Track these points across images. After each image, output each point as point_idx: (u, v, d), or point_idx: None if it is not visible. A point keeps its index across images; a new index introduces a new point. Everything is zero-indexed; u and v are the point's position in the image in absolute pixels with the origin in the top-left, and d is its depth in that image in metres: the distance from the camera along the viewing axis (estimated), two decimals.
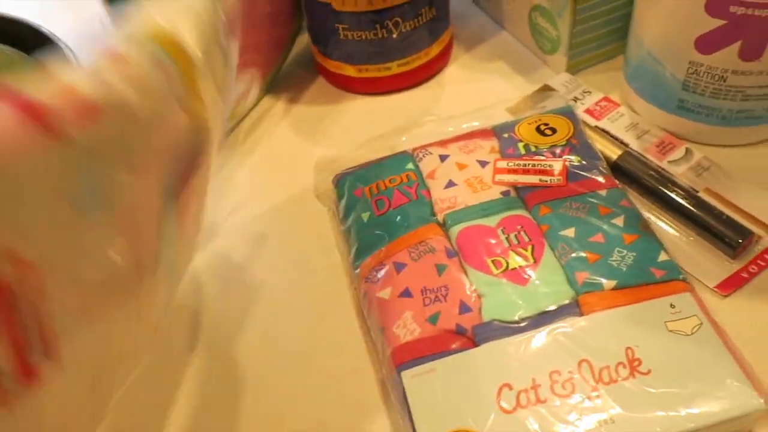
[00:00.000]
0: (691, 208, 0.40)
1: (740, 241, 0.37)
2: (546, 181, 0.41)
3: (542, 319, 0.34)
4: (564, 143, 0.43)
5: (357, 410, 0.36)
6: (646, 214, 0.41)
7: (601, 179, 0.40)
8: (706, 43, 0.40)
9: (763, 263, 0.38)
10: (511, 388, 0.32)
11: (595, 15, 0.48)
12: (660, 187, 0.41)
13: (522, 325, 0.34)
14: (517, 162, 0.43)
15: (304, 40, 0.58)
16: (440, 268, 0.37)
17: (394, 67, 0.52)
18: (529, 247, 0.38)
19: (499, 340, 0.34)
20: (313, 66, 0.56)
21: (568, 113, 0.45)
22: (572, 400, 0.31)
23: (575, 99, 0.49)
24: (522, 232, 0.38)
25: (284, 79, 0.57)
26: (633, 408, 0.30)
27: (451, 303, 0.36)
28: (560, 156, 0.42)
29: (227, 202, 0.48)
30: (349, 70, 0.52)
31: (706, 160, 0.43)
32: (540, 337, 0.33)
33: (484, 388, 0.32)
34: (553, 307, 0.35)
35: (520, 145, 0.44)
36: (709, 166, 0.43)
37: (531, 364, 0.32)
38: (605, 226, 0.38)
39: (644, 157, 0.44)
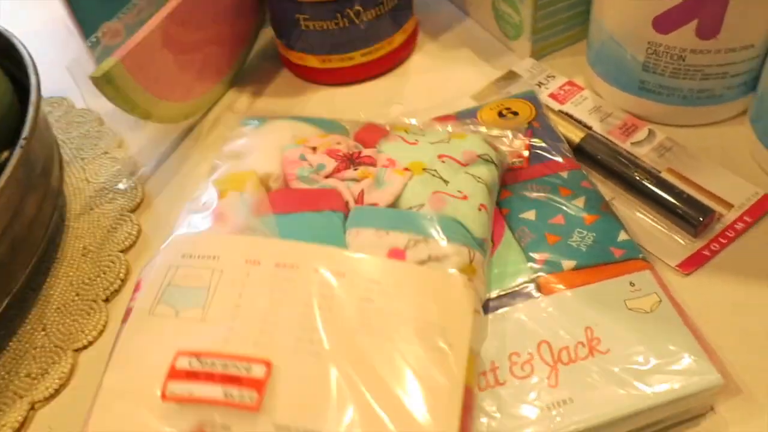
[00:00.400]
0: (653, 188, 0.39)
1: (701, 219, 0.37)
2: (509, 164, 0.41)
3: (502, 301, 0.34)
4: (526, 126, 0.43)
5: None
6: (610, 196, 0.41)
7: (562, 161, 0.40)
8: (664, 23, 0.39)
9: (724, 241, 0.38)
10: None
11: (557, 0, 0.48)
12: (622, 169, 0.41)
13: (483, 307, 0.34)
14: None
15: (268, 33, 0.58)
16: None
17: (358, 57, 0.51)
18: None
19: None
20: (278, 59, 0.56)
21: (530, 97, 0.45)
22: (531, 381, 0.30)
23: (539, 84, 0.49)
24: None
25: (248, 73, 0.56)
26: (592, 387, 0.30)
27: None
28: (522, 139, 0.42)
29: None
30: (312, 61, 0.52)
31: (669, 140, 0.43)
32: (499, 319, 0.33)
33: None
34: (512, 289, 0.34)
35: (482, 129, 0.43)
36: (672, 146, 0.43)
37: (490, 347, 0.32)
38: (566, 208, 0.37)
39: (607, 139, 0.44)
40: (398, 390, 0.28)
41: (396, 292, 0.31)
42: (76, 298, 0.42)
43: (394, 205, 0.35)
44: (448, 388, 0.28)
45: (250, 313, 0.30)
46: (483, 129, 0.41)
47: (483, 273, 0.34)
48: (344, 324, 0.29)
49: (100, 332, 0.40)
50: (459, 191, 0.36)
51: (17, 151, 0.38)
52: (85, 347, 0.40)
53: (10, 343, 0.40)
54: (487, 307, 0.34)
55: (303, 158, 0.38)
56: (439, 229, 0.33)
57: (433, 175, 0.36)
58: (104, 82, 0.43)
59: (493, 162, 0.38)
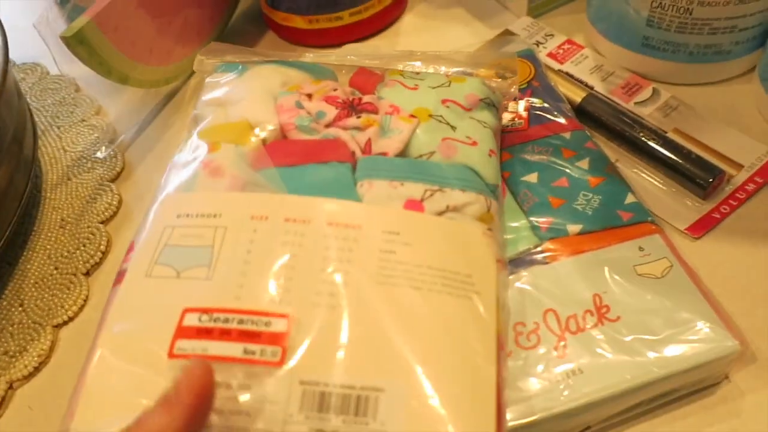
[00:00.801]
0: (659, 148, 0.38)
1: (710, 180, 0.36)
2: (507, 125, 0.39)
3: (507, 267, 0.32)
4: (525, 86, 0.41)
5: None
6: (613, 158, 0.39)
7: (564, 121, 0.38)
8: None
9: (734, 203, 0.36)
10: None
11: None
12: (626, 129, 0.39)
13: None
14: None
15: None
16: None
17: (346, 17, 0.49)
18: None
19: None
20: (262, 20, 0.53)
21: (528, 56, 0.43)
22: (538, 352, 0.29)
23: (537, 43, 0.46)
24: None
25: (231, 36, 0.53)
26: (602, 356, 0.28)
27: None
28: (522, 97, 0.40)
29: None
30: (299, 22, 0.49)
31: (674, 99, 0.41)
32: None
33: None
34: (516, 256, 0.33)
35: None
36: (677, 105, 0.41)
37: None
38: (569, 170, 0.36)
39: (610, 99, 0.42)
40: (428, 340, 0.26)
41: (417, 244, 0.29)
42: (55, 272, 0.40)
43: (403, 153, 0.33)
44: (479, 335, 0.27)
45: (261, 269, 0.28)
46: (482, 71, 0.39)
47: (500, 221, 0.32)
48: (366, 276, 0.28)
49: (81, 307, 0.38)
50: (467, 137, 0.34)
51: None
52: (65, 323, 0.38)
53: None
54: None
55: (299, 106, 0.35)
56: (454, 177, 0.32)
57: (440, 121, 0.34)
58: (76, 42, 0.40)
59: (494, 105, 0.37)
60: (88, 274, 0.40)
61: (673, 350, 0.28)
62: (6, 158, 0.38)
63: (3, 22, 0.41)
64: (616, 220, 0.33)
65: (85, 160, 0.45)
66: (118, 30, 0.42)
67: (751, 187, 0.36)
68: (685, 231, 0.35)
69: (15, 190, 0.39)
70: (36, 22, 0.40)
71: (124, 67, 0.43)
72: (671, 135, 0.39)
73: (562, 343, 0.29)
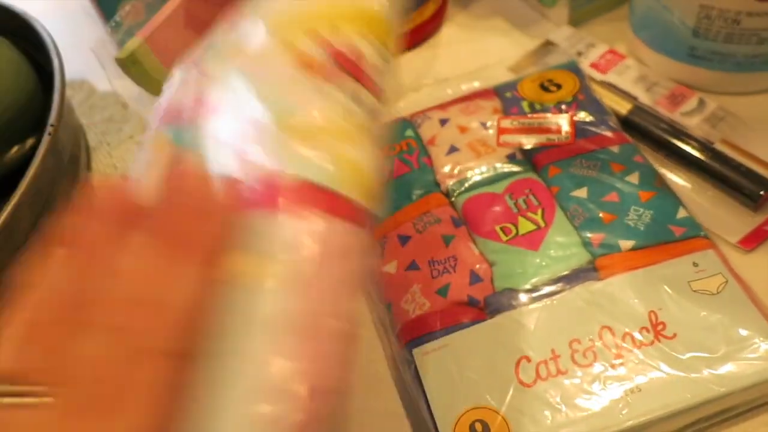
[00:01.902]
0: (708, 160, 0.38)
1: (761, 192, 0.35)
2: (554, 139, 0.39)
3: (558, 284, 0.32)
4: (570, 99, 0.41)
5: (368, 390, 0.34)
6: (661, 170, 0.39)
7: (611, 135, 0.38)
8: None
9: None
10: (529, 361, 0.30)
11: None
12: (674, 141, 0.39)
13: (537, 292, 0.32)
14: (521, 120, 0.40)
15: None
16: (447, 239, 0.36)
17: None
18: (539, 211, 0.36)
19: (514, 310, 0.32)
20: None
21: (572, 68, 0.43)
22: (595, 370, 0.29)
23: (579, 53, 0.46)
24: (531, 196, 0.36)
25: None
26: (660, 374, 0.28)
27: (460, 274, 0.34)
28: (567, 113, 0.40)
29: None
30: None
31: (721, 110, 0.41)
32: (557, 305, 0.32)
33: (501, 362, 0.30)
34: (568, 272, 0.33)
35: (524, 103, 0.41)
36: (725, 116, 0.41)
37: (549, 334, 0.31)
38: (619, 184, 0.36)
39: (655, 110, 0.42)
40: None
41: None
42: None
43: None
44: None
45: None
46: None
47: None
48: None
49: None
50: None
51: (45, 139, 0.37)
52: None
53: None
54: (543, 292, 0.32)
55: None
56: None
57: None
58: (130, 63, 0.41)
59: None
60: None
61: (732, 368, 0.28)
62: (64, 176, 0.40)
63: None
64: (668, 236, 0.33)
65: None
66: (168, 49, 0.43)
67: None
68: (737, 244, 0.35)
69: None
70: (93, 47, 0.41)
71: None
72: (719, 146, 0.39)
73: (619, 361, 0.29)
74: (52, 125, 0.37)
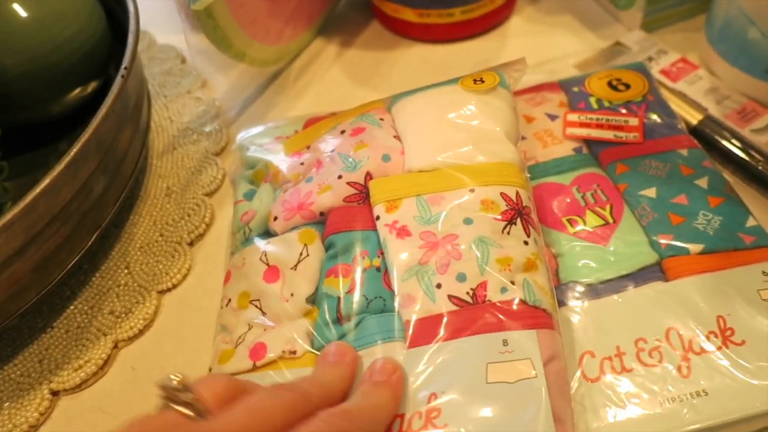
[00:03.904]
0: None
1: None
2: (621, 137, 0.39)
3: (624, 282, 0.32)
4: (640, 99, 0.40)
5: None
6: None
7: (681, 138, 0.38)
8: None
9: None
10: (593, 356, 0.30)
11: None
12: (743, 156, 0.39)
13: (602, 287, 0.32)
14: (590, 116, 0.40)
15: None
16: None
17: (457, 14, 0.49)
18: (608, 207, 0.35)
19: (579, 303, 0.32)
20: (369, 9, 0.53)
21: (641, 69, 0.43)
22: (660, 370, 0.29)
23: (649, 59, 0.46)
24: (599, 191, 0.36)
25: (337, 22, 0.54)
26: (727, 380, 0.28)
27: None
28: (637, 112, 0.40)
29: None
30: (409, 15, 0.49)
31: None
32: (622, 302, 0.31)
33: (566, 356, 0.30)
34: (634, 271, 0.32)
35: (592, 99, 0.41)
36: None
37: (614, 331, 0.30)
38: (688, 187, 0.35)
39: (725, 123, 0.41)
40: None
41: None
42: (160, 238, 0.41)
43: None
44: None
45: None
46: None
47: None
48: None
49: (185, 276, 0.39)
50: None
51: (118, 81, 0.36)
52: (169, 290, 0.39)
53: (93, 279, 0.39)
54: (609, 287, 0.32)
55: None
56: None
57: None
58: (205, 16, 0.41)
59: None
60: (191, 244, 0.40)
61: None
62: (129, 123, 0.39)
63: None
64: (738, 243, 0.33)
65: (190, 132, 0.46)
66: (242, 8, 0.43)
67: None
68: None
69: (132, 155, 0.40)
70: None
71: (242, 44, 0.44)
72: None
73: (686, 363, 0.29)
74: (125, 68, 0.37)
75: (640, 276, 0.32)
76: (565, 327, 0.31)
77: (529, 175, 0.37)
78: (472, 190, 0.32)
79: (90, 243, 0.37)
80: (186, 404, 0.22)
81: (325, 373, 0.27)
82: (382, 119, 0.37)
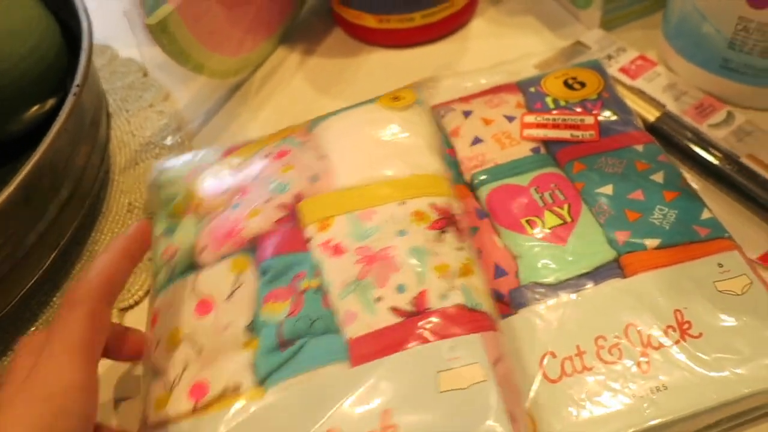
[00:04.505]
0: (733, 174, 0.38)
1: None
2: (578, 136, 0.39)
3: (583, 280, 0.32)
4: (595, 97, 0.41)
5: None
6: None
7: (636, 133, 0.38)
8: None
9: None
10: (554, 356, 0.30)
11: None
12: (700, 152, 0.39)
13: (562, 287, 0.32)
14: (546, 116, 0.40)
15: None
16: (471, 231, 0.35)
17: (418, 18, 0.49)
18: (566, 206, 0.35)
19: (539, 304, 0.32)
20: (331, 16, 0.54)
21: (596, 66, 0.43)
22: (620, 367, 0.29)
23: (609, 57, 0.46)
24: (557, 191, 0.36)
25: (299, 30, 0.54)
26: (686, 373, 0.28)
27: (484, 267, 0.33)
28: (592, 110, 0.40)
29: None
30: (370, 21, 0.49)
31: (749, 124, 0.41)
32: (582, 301, 0.31)
33: (526, 357, 0.30)
34: (593, 269, 0.33)
35: (548, 99, 0.41)
36: (752, 130, 0.41)
37: (574, 330, 0.30)
38: (644, 183, 0.36)
39: (682, 119, 0.42)
40: None
41: None
42: None
43: None
44: None
45: None
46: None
47: None
48: None
49: (146, 293, 0.39)
50: None
51: (70, 99, 0.36)
52: (131, 307, 0.38)
53: (55, 299, 0.39)
54: (568, 287, 0.32)
55: None
56: None
57: None
58: (159, 30, 0.40)
59: None
60: (152, 260, 0.40)
61: (757, 369, 0.28)
62: (85, 140, 0.39)
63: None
64: (693, 236, 0.33)
65: (152, 146, 0.46)
66: (198, 19, 0.43)
67: None
68: (757, 260, 0.35)
69: (90, 172, 0.40)
70: (125, 11, 0.40)
71: (200, 56, 0.44)
72: (744, 160, 0.39)
73: (645, 359, 0.29)
74: (77, 86, 0.37)
75: (598, 274, 0.32)
76: (526, 329, 0.31)
77: (486, 177, 0.37)
78: (402, 203, 0.32)
79: (49, 262, 0.37)
80: None
81: None
82: (304, 141, 0.37)
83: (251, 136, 0.45)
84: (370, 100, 0.39)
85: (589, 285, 0.32)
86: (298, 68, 0.51)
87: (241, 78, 0.50)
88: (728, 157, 0.38)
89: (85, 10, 0.41)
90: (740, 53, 0.40)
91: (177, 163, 0.39)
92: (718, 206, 0.38)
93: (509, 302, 0.32)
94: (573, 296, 0.32)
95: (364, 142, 0.36)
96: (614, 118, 0.39)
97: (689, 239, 0.33)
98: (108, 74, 0.51)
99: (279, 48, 0.52)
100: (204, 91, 0.50)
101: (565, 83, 0.42)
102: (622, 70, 0.45)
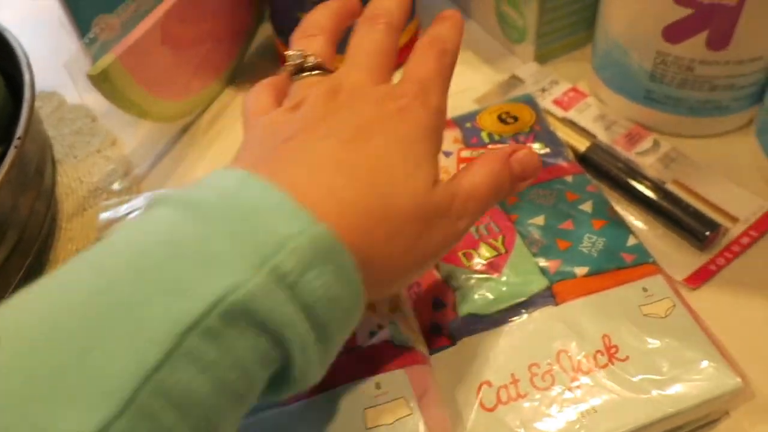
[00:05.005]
0: (659, 200, 0.39)
1: (707, 233, 0.37)
2: None
3: (517, 310, 0.34)
4: (527, 130, 0.42)
5: None
6: (616, 208, 0.41)
7: (565, 165, 0.40)
8: (674, 33, 0.40)
9: (730, 255, 0.38)
10: (490, 385, 0.31)
11: (562, 4, 0.48)
12: (628, 180, 0.41)
13: (498, 317, 0.33)
14: (481, 151, 0.42)
15: (266, 29, 0.57)
16: None
17: None
18: (500, 238, 0.37)
19: (476, 335, 0.33)
20: (277, 56, 0.55)
21: (528, 101, 0.45)
22: (553, 393, 0.30)
23: (543, 89, 0.48)
24: (491, 223, 0.38)
25: (246, 71, 0.55)
26: (614, 396, 0.30)
27: (424, 299, 0.35)
28: (524, 143, 0.42)
29: None
30: None
31: (674, 151, 0.43)
32: (516, 330, 0.33)
33: (464, 388, 0.31)
34: (527, 298, 0.34)
35: (484, 134, 0.43)
36: (677, 157, 0.43)
37: (509, 359, 0.32)
38: (574, 213, 0.37)
39: (612, 148, 0.44)
40: None
41: None
42: None
43: None
44: None
45: None
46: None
47: None
48: None
49: None
50: None
51: (11, 152, 0.37)
52: None
53: None
54: (504, 317, 0.33)
55: None
56: None
57: None
58: (101, 80, 0.41)
59: None
60: None
61: (680, 388, 0.29)
62: (29, 189, 0.39)
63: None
64: (620, 262, 0.35)
65: (100, 192, 0.46)
66: (141, 67, 0.44)
67: (745, 240, 0.38)
68: (683, 281, 0.37)
69: (35, 220, 0.40)
70: (66, 63, 0.41)
71: (144, 103, 0.44)
72: (670, 186, 0.41)
73: (576, 383, 0.30)
74: (19, 138, 0.37)
75: (532, 302, 0.34)
76: (464, 359, 0.32)
77: None
78: None
79: None
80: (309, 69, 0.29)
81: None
82: None
83: (199, 177, 0.46)
84: None
85: (524, 314, 0.33)
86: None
87: (188, 120, 0.51)
88: (655, 184, 0.40)
89: (28, 64, 0.41)
90: (661, 85, 0.42)
91: (123, 210, 0.40)
92: (646, 231, 0.39)
93: (447, 334, 0.33)
94: (507, 326, 0.33)
95: None
96: (545, 150, 0.41)
97: (616, 266, 0.35)
98: (56, 121, 0.52)
99: (227, 89, 0.53)
100: (152, 134, 0.50)
101: (499, 118, 0.44)
102: (556, 102, 0.47)
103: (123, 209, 0.40)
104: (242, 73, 0.55)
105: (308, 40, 0.31)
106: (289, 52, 0.30)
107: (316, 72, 0.29)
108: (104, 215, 0.39)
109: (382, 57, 0.30)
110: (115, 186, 0.46)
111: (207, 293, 0.19)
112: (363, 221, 0.23)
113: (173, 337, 0.18)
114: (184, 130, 0.51)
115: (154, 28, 0.45)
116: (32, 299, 0.20)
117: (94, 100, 0.45)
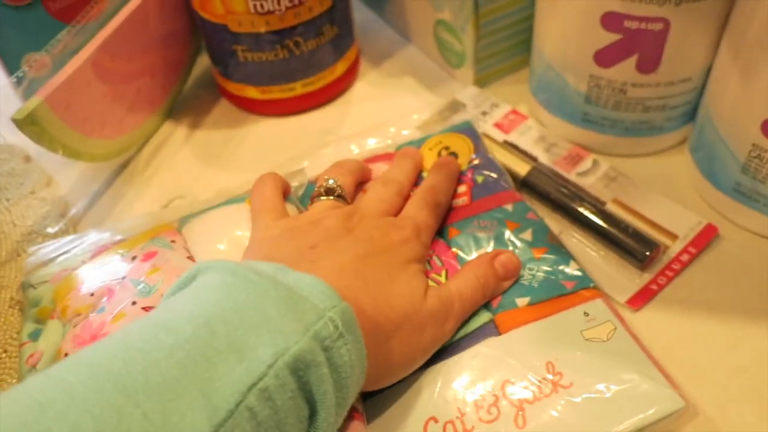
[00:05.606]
0: (600, 222, 0.40)
1: (647, 254, 0.38)
2: (452, 203, 0.40)
3: (462, 343, 0.33)
4: (466, 166, 0.42)
5: None
6: (557, 230, 0.41)
7: (505, 194, 0.40)
8: (605, 57, 0.40)
9: (671, 273, 0.38)
10: (437, 421, 0.31)
11: (498, 28, 0.48)
12: (569, 203, 0.41)
13: (443, 352, 0.33)
14: None
15: (205, 59, 0.56)
16: None
17: (299, 88, 0.50)
18: (443, 272, 0.37)
19: (421, 370, 0.32)
20: (216, 87, 0.54)
21: (466, 130, 0.44)
22: (499, 425, 0.30)
23: (484, 113, 0.48)
24: (435, 257, 0.37)
25: (185, 103, 0.54)
26: (560, 423, 0.30)
27: None
28: (464, 181, 0.41)
29: None
30: (252, 92, 0.50)
31: (613, 170, 0.44)
32: (461, 363, 0.32)
33: (410, 425, 0.31)
34: (471, 331, 0.34)
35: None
36: (616, 176, 0.43)
37: (455, 393, 0.31)
38: (514, 242, 0.37)
39: (553, 170, 0.44)
40: None
41: None
42: (4, 355, 0.39)
43: None
44: None
45: None
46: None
47: None
48: None
49: None
50: None
51: None
52: None
53: None
54: (449, 351, 0.33)
55: None
56: None
57: None
58: (27, 124, 0.40)
59: None
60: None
61: (624, 410, 0.30)
62: None
63: None
64: (561, 289, 0.35)
65: (35, 235, 0.45)
66: (71, 107, 0.42)
67: (685, 258, 0.39)
68: (626, 303, 0.37)
69: None
70: None
71: (75, 143, 0.43)
72: (611, 205, 0.41)
73: (521, 413, 0.30)
74: None
75: (477, 335, 0.34)
76: (410, 395, 0.32)
77: None
78: None
79: None
80: (335, 195, 0.37)
81: (403, 164, 0.41)
82: (173, 241, 0.38)
83: (138, 214, 0.45)
84: (239, 198, 0.40)
85: (468, 346, 0.33)
86: (185, 142, 0.51)
87: (126, 156, 0.50)
88: (595, 206, 0.41)
89: None
90: (596, 107, 0.43)
91: (48, 253, 0.38)
92: (588, 253, 0.40)
93: None
94: (452, 360, 0.33)
95: (231, 242, 0.36)
96: (485, 180, 0.41)
97: (557, 293, 0.35)
98: None
99: (165, 123, 0.52)
100: (88, 172, 0.49)
101: (439, 155, 0.43)
102: (497, 125, 0.48)
103: (50, 251, 0.39)
104: (182, 106, 0.54)
105: (342, 175, 0.39)
106: (327, 177, 0.38)
107: (338, 199, 0.37)
108: (31, 259, 0.38)
109: (387, 206, 0.37)
110: (51, 229, 0.45)
111: (266, 354, 0.23)
112: (373, 316, 0.29)
113: (238, 395, 0.22)
114: (123, 165, 0.49)
115: (85, 65, 0.43)
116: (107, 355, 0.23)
117: (26, 139, 0.43)
